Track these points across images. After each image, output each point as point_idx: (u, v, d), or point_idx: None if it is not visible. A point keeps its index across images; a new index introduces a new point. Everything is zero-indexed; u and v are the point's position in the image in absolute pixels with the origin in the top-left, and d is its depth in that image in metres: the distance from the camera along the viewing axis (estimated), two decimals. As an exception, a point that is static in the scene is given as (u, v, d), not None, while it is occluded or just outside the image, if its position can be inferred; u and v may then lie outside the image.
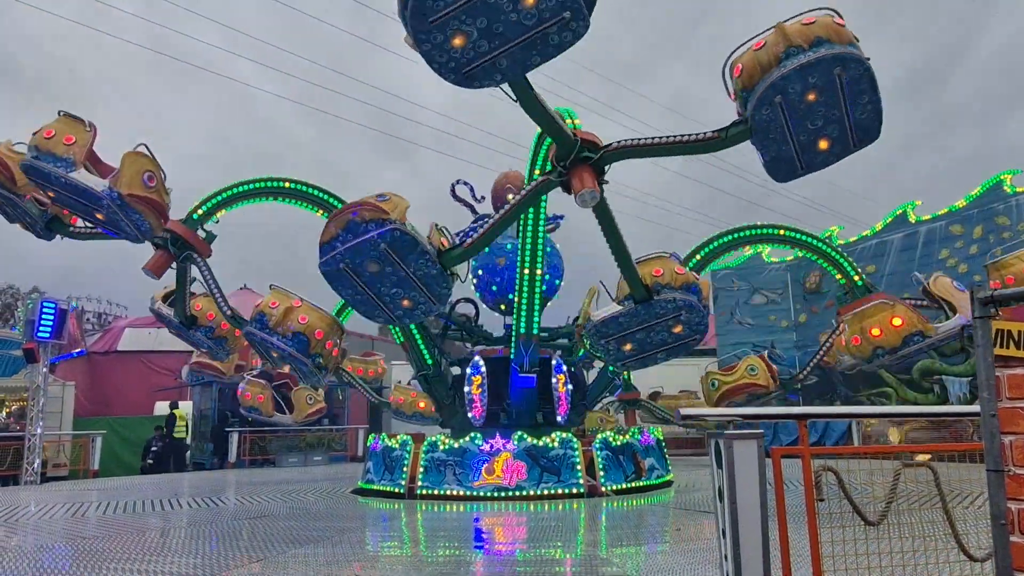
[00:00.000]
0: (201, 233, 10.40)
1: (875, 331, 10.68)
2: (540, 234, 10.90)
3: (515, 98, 6.65)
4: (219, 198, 10.65)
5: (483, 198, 14.62)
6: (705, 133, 7.27)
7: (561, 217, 15.13)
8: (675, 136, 7.53)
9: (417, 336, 12.25)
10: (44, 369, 16.71)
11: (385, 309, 8.54)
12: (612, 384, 14.58)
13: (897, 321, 10.46)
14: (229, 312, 10.54)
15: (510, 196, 13.71)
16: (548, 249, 13.88)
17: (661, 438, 12.68)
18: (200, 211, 10.46)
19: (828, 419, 18.06)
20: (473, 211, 14.57)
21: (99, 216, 8.65)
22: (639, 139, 7.68)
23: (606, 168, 7.75)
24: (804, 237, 12.73)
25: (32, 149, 8.20)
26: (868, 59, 6.45)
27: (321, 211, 11.08)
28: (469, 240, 8.69)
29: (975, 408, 3.28)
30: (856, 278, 12.29)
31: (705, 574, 5.14)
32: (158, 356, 26.14)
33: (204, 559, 6.19)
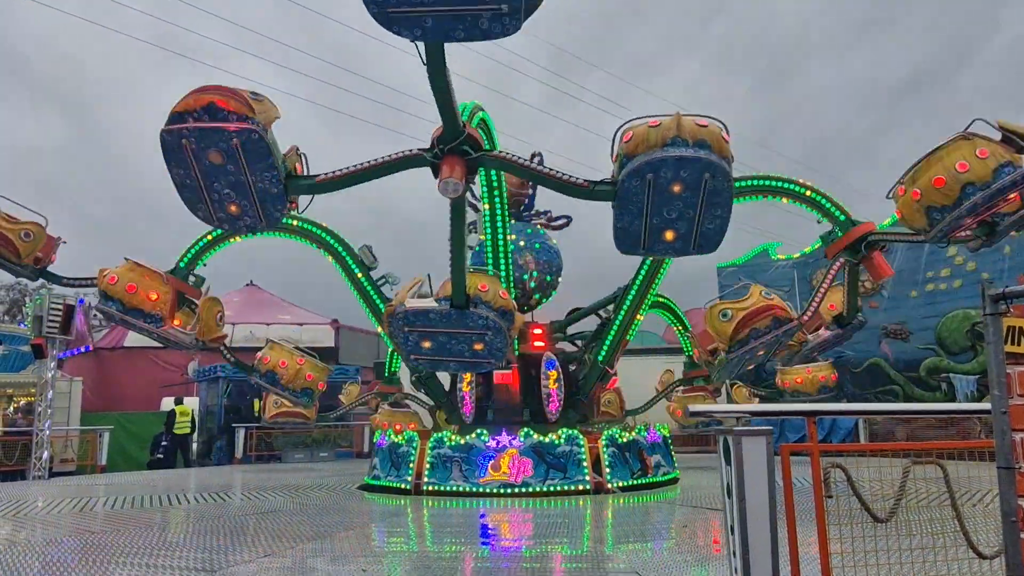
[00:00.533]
0: (191, 280, 11.26)
1: (960, 166, 8.22)
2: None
3: (425, 62, 6.61)
4: (200, 244, 11.34)
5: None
6: (578, 179, 7.58)
7: (569, 218, 15.17)
8: (551, 170, 7.84)
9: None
10: (52, 365, 16.77)
11: (209, 205, 8.07)
12: (606, 376, 14.24)
13: (981, 150, 8.16)
14: (233, 360, 12.39)
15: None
16: (537, 245, 13.91)
17: (668, 435, 12.67)
18: (185, 259, 11.27)
19: (836, 416, 18.03)
20: (475, 210, 14.75)
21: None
22: (520, 158, 8.02)
23: (479, 170, 7.93)
24: (769, 183, 11.23)
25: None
26: (732, 181, 6.97)
27: (320, 247, 12.20)
28: (323, 175, 8.30)
29: (984, 406, 3.27)
30: (839, 213, 10.87)
31: (713, 571, 5.13)
32: (164, 352, 26.23)
33: (211, 554, 6.21)
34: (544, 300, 14.57)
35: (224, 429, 22.29)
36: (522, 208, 14.64)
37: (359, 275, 12.60)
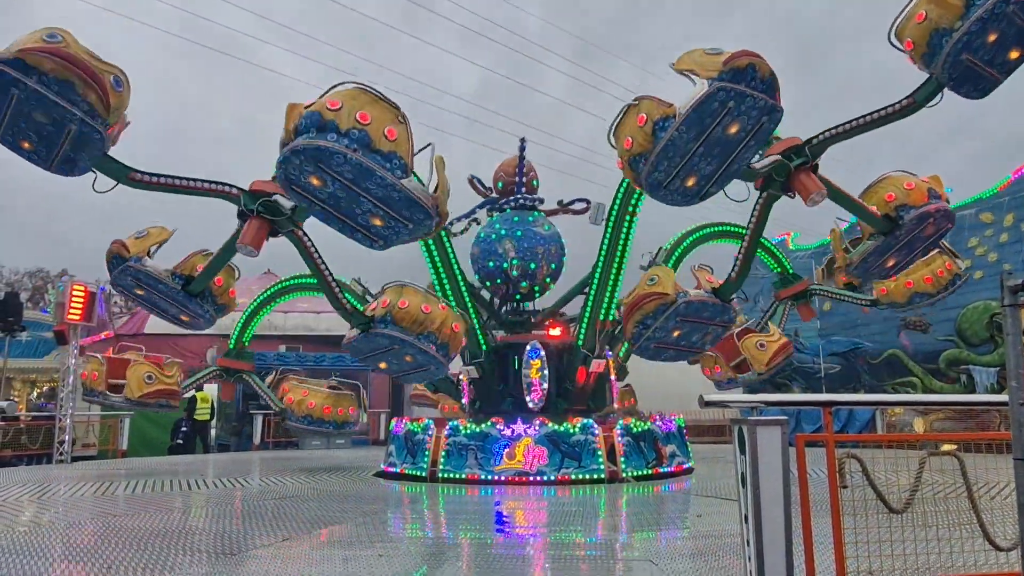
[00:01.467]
0: (287, 203, 8.33)
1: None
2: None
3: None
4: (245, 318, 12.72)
5: (491, 188, 15.14)
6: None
7: (587, 201, 14.78)
8: (872, 114, 7.82)
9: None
10: (75, 350, 17.00)
11: (696, 350, 10.61)
12: (587, 360, 14.12)
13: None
14: (351, 307, 9.70)
15: (499, 184, 14.84)
16: (519, 233, 13.83)
17: (683, 425, 12.66)
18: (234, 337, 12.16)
19: (852, 407, 17.93)
20: (488, 194, 14.92)
21: (41, 119, 6.78)
22: (836, 127, 8.05)
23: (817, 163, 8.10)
24: (734, 229, 13.05)
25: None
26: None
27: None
28: (735, 270, 9.68)
29: (1002, 397, 3.25)
30: (787, 265, 14.42)
31: (727, 559, 5.15)
32: (183, 339, 26.49)
33: (230, 537, 6.31)
34: (542, 289, 14.44)
35: (242, 416, 22.54)
36: (517, 197, 14.49)
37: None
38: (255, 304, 14.14)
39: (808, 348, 21.73)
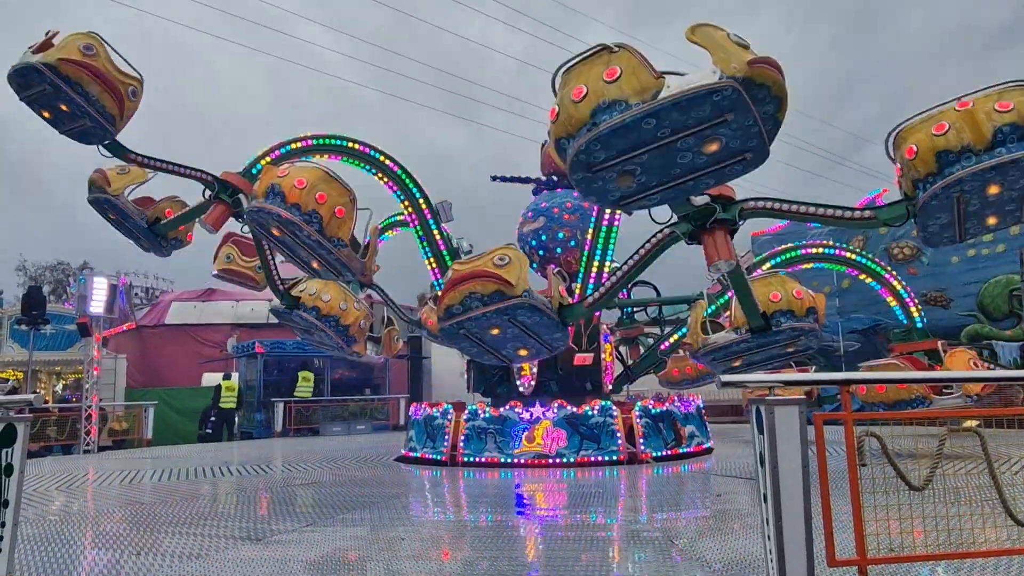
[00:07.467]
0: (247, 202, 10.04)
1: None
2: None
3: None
4: (272, 156, 10.08)
5: (527, 178, 14.77)
6: (860, 213, 7.02)
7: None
8: (824, 208, 7.06)
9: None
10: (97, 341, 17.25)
11: (500, 357, 8.93)
12: (660, 362, 14.46)
13: None
14: (283, 289, 10.61)
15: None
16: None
17: (701, 405, 12.66)
18: (259, 165, 10.11)
19: (871, 384, 17.81)
20: (526, 181, 14.61)
21: (62, 107, 8.05)
22: (778, 200, 7.26)
23: (737, 228, 7.26)
24: (870, 264, 12.80)
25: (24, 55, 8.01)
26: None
27: (382, 176, 11.16)
28: (592, 297, 8.62)
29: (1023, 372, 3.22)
30: (916, 314, 12.47)
31: (747, 539, 5.17)
32: (203, 329, 26.84)
33: (256, 523, 6.42)
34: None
35: (263, 403, 22.81)
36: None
37: (435, 231, 11.57)
38: (300, 146, 10.63)
39: (827, 326, 21.60)
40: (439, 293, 8.74)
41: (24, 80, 7.76)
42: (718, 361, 9.47)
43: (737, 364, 9.61)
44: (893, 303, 12.72)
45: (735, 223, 7.06)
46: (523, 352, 8.81)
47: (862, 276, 12.88)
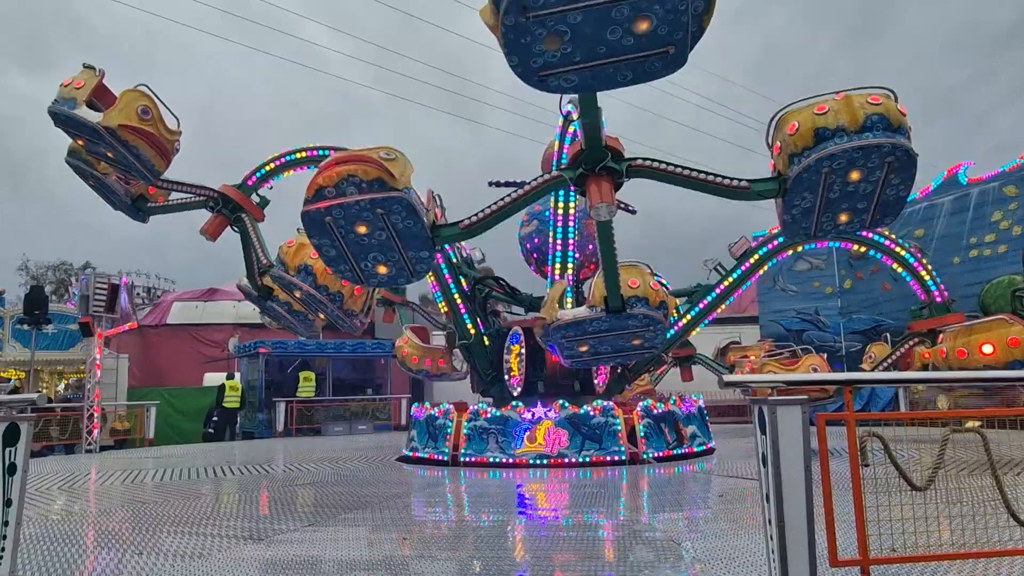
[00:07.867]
0: (255, 198, 10.93)
1: (987, 347, 10.30)
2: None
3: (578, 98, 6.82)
4: (273, 164, 10.87)
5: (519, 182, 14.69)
6: (737, 181, 7.55)
7: (634, 211, 14.72)
8: (708, 174, 7.66)
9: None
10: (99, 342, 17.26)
11: (356, 270, 8.16)
12: (657, 360, 14.46)
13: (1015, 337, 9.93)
14: (261, 283, 11.70)
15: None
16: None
17: (703, 406, 12.64)
18: (255, 177, 10.79)
19: (874, 385, 17.80)
20: (523, 186, 14.55)
21: (109, 154, 8.92)
22: (669, 165, 7.77)
23: (622, 182, 7.70)
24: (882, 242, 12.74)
25: (57, 99, 8.54)
26: (914, 152, 6.79)
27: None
28: (467, 221, 8.34)
29: (1027, 373, 3.22)
30: (936, 294, 12.44)
31: (749, 539, 5.16)
32: (205, 329, 26.84)
33: (257, 522, 6.41)
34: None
35: (265, 403, 22.81)
36: None
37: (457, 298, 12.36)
38: (293, 157, 11.15)
39: (829, 327, 21.58)
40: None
41: (76, 131, 8.52)
42: (567, 340, 9.47)
43: (584, 351, 9.74)
44: (901, 271, 12.81)
45: (621, 176, 7.45)
46: (382, 269, 8.25)
47: (872, 251, 13.11)
